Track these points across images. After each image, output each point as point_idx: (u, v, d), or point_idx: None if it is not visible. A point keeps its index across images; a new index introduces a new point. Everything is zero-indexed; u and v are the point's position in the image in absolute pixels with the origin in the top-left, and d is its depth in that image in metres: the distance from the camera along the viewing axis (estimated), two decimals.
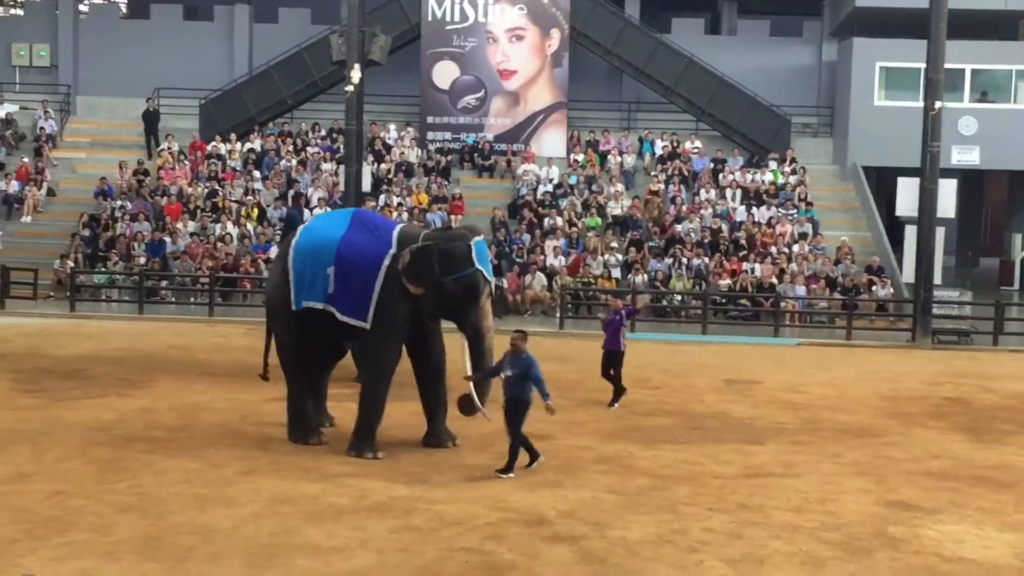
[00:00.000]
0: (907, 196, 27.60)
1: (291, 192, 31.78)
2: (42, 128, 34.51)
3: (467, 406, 14.81)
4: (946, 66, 26.44)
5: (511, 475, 13.97)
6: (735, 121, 34.11)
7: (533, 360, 14.18)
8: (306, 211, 30.09)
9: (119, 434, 15.46)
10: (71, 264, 28.90)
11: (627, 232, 30.73)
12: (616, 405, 18.23)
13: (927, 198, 26.49)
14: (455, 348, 15.31)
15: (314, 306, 15.28)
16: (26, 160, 33.38)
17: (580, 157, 33.71)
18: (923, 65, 27.26)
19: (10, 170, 33.01)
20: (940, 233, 27.12)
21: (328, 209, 29.02)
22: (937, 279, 27.05)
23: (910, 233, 27.44)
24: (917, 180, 26.89)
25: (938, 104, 26.08)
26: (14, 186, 32.40)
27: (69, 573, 10.31)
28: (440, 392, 15.38)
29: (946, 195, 27.22)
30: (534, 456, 14.30)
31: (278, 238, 29.66)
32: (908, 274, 27.78)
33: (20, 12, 38.72)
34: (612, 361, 18.52)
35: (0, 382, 18.78)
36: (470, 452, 15.11)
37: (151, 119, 34.39)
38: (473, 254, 14.75)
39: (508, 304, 28.36)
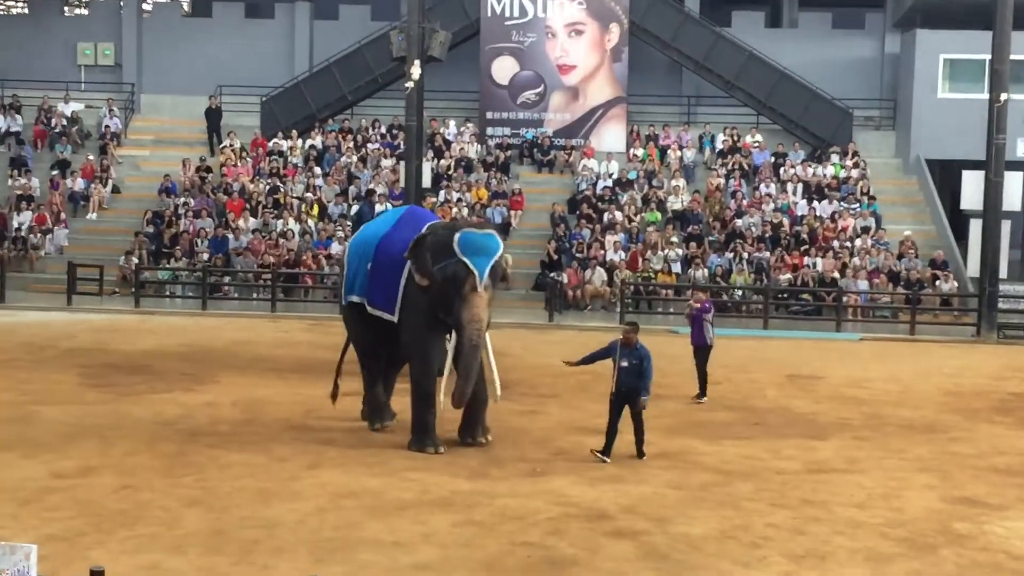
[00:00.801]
0: (972, 189, 27.32)
1: (353, 188, 31.96)
2: (107, 126, 34.92)
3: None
4: (1012, 57, 26.11)
5: (644, 457, 14.56)
6: (796, 115, 33.84)
7: (648, 353, 14.57)
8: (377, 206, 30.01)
9: (185, 429, 15.64)
10: (136, 260, 29.24)
11: (687, 227, 30.60)
12: (705, 398, 18.30)
13: (992, 191, 26.19)
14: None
15: (354, 300, 15.69)
16: (91, 158, 33.80)
17: (640, 152, 33.60)
18: (988, 56, 26.92)
19: (76, 168, 33.44)
20: (1006, 226, 26.84)
21: (389, 204, 29.18)
22: (1003, 273, 26.76)
23: (975, 227, 27.15)
24: (982, 173, 26.60)
25: (1004, 96, 25.77)
26: (80, 184, 32.83)
27: (136, 566, 10.42)
28: (476, 389, 14.89)
29: (1012, 188, 26.93)
30: (606, 451, 14.50)
31: (339, 233, 29.86)
32: (973, 268, 27.50)
33: (85, 12, 39.19)
34: (700, 356, 18.54)
35: (68, 377, 19.06)
36: (530, 447, 15.13)
37: (213, 117, 34.69)
38: (455, 244, 14.54)
39: (567, 299, 28.39)
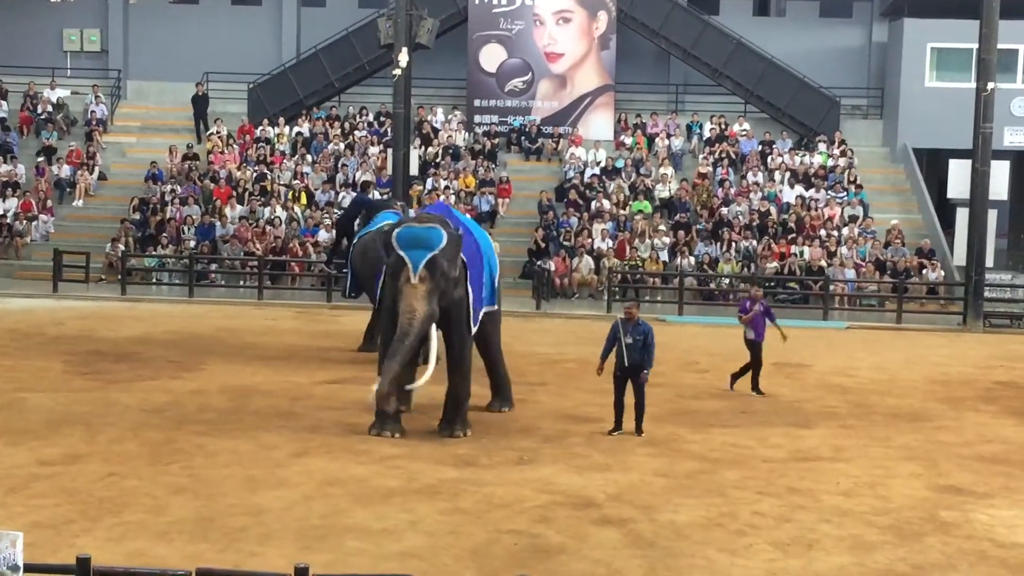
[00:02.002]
0: (959, 178, 27.41)
1: (340, 175, 31.87)
2: (93, 112, 34.79)
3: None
4: (999, 46, 26.16)
5: (642, 434, 15.00)
6: (783, 103, 33.87)
7: (652, 329, 15.11)
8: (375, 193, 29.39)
9: (171, 416, 15.61)
10: (122, 248, 29.14)
11: (675, 215, 30.61)
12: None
13: (979, 180, 26.24)
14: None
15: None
16: (74, 144, 33.68)
17: (628, 140, 33.59)
18: (975, 45, 26.95)
19: (62, 154, 33.31)
20: (992, 215, 26.91)
21: (377, 193, 29.11)
22: (989, 262, 26.84)
23: (961, 215, 27.24)
24: (969, 162, 26.66)
25: (990, 85, 25.82)
26: (66, 170, 32.70)
27: (123, 553, 10.40)
28: (455, 382, 15.09)
29: (998, 177, 27.03)
30: (617, 426, 15.10)
31: (326, 221, 29.80)
32: (959, 257, 27.58)
33: None
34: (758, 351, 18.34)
35: (54, 364, 18.99)
36: (517, 435, 15.14)
37: (200, 103, 34.58)
38: (393, 239, 14.77)
39: (554, 287, 28.38)
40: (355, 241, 20.44)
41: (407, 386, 15.20)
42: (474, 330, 15.41)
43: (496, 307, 16.40)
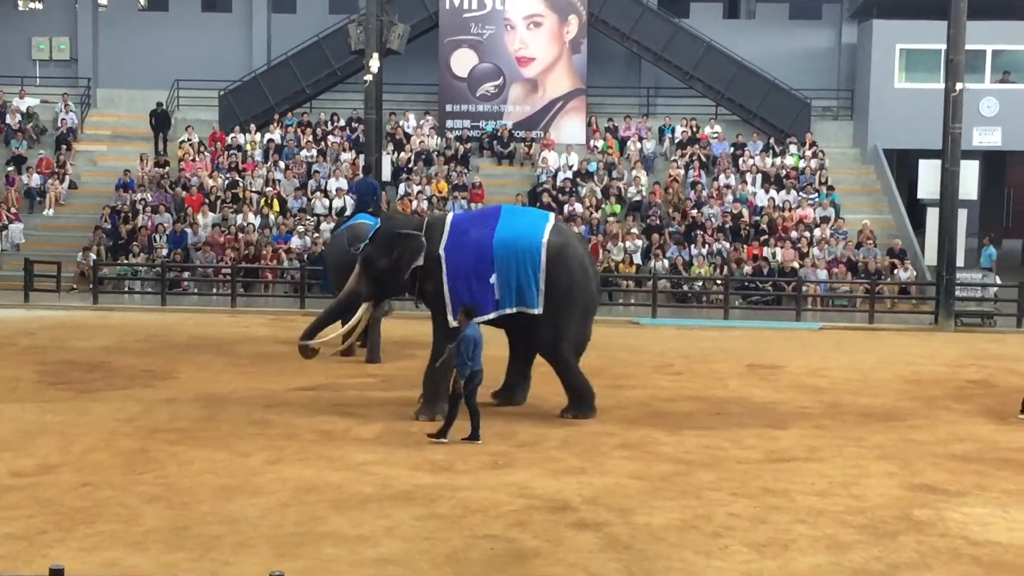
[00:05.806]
0: (929, 178, 27.55)
1: (312, 182, 31.82)
2: (63, 121, 34.62)
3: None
4: (967, 47, 26.31)
5: (444, 440, 14.74)
6: (754, 105, 34.01)
7: (465, 336, 14.77)
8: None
9: (144, 425, 15.52)
10: (93, 256, 29.01)
11: (647, 218, 30.67)
12: None
13: (949, 180, 26.38)
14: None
15: None
16: (43, 153, 33.50)
17: (599, 143, 33.65)
18: (944, 46, 27.10)
19: (32, 163, 33.14)
20: (962, 215, 27.04)
21: (349, 198, 29.11)
22: (960, 261, 26.98)
23: (932, 215, 27.38)
24: (939, 162, 26.81)
25: (959, 85, 25.95)
26: (36, 179, 32.55)
27: (97, 564, 10.34)
28: (428, 367, 16.30)
29: (968, 177, 27.16)
30: (474, 436, 14.85)
31: (299, 228, 29.74)
32: (930, 257, 27.74)
33: (39, 6, 38.80)
34: None
35: (25, 374, 18.87)
36: (493, 440, 15.11)
37: (161, 119, 34.24)
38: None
39: None
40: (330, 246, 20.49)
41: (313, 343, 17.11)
42: (452, 323, 15.78)
43: (513, 311, 16.38)
